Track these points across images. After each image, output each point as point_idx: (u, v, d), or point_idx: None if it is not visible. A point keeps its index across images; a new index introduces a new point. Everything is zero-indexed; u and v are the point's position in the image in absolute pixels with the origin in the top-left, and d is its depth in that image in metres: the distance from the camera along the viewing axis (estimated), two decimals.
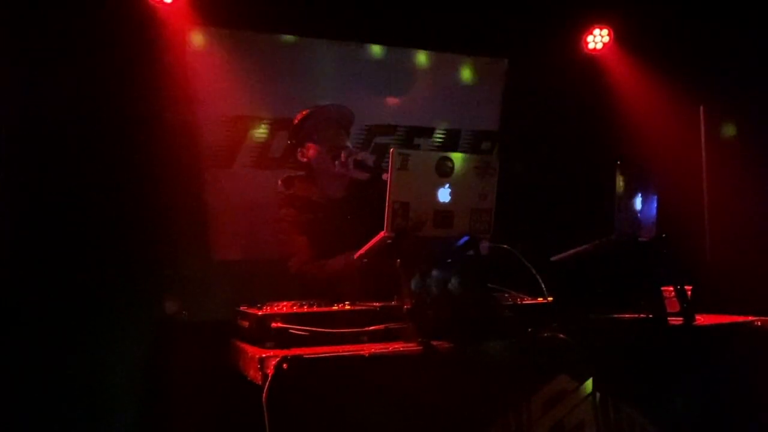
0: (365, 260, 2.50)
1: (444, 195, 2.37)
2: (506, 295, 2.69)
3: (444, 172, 2.36)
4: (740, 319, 2.85)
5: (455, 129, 4.53)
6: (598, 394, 2.40)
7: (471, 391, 2.18)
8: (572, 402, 2.36)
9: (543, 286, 2.60)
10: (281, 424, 1.95)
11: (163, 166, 3.51)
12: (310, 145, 3.20)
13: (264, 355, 2.06)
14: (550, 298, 2.59)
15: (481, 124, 4.59)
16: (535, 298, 2.62)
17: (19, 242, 3.27)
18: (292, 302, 2.50)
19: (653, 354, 2.53)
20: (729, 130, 4.66)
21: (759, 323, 2.78)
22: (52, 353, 3.20)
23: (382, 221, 2.29)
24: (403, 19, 4.18)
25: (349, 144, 3.24)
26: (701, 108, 4.67)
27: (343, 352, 2.12)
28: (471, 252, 2.46)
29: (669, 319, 2.70)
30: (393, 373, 2.09)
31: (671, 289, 2.78)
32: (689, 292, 2.79)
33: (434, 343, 2.19)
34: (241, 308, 2.46)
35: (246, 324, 2.36)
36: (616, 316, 2.78)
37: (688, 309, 2.75)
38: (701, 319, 2.79)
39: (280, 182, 3.26)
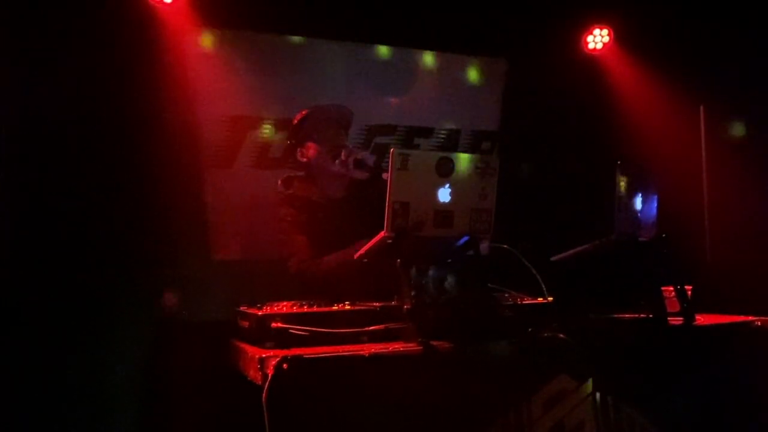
0: (365, 260, 2.50)
1: (444, 195, 2.37)
2: (506, 295, 2.69)
3: (444, 172, 2.36)
4: (740, 319, 2.85)
5: (455, 129, 4.52)
6: (598, 394, 2.40)
7: (471, 391, 2.17)
8: (572, 402, 2.36)
9: (543, 286, 2.60)
10: (281, 424, 1.95)
11: (163, 166, 3.51)
12: (309, 144, 3.20)
13: (264, 355, 2.06)
14: (550, 298, 2.59)
15: (481, 124, 4.59)
16: (535, 298, 2.62)
17: (19, 242, 3.27)
18: (292, 302, 2.50)
19: (653, 354, 2.53)
20: (738, 130, 4.64)
21: (759, 323, 2.78)
22: (52, 353, 3.19)
23: (382, 221, 2.29)
24: (403, 19, 4.18)
25: (348, 143, 3.24)
26: (701, 108, 4.66)
27: (343, 352, 2.12)
28: (471, 252, 2.46)
29: (669, 319, 2.70)
30: (393, 373, 2.09)
31: (671, 289, 2.78)
32: (689, 292, 2.79)
33: (434, 343, 2.19)
34: (241, 308, 2.47)
35: (246, 324, 2.36)
36: (616, 316, 2.78)
37: (688, 309, 2.75)
38: (701, 319, 2.79)
39: (279, 182, 3.26)
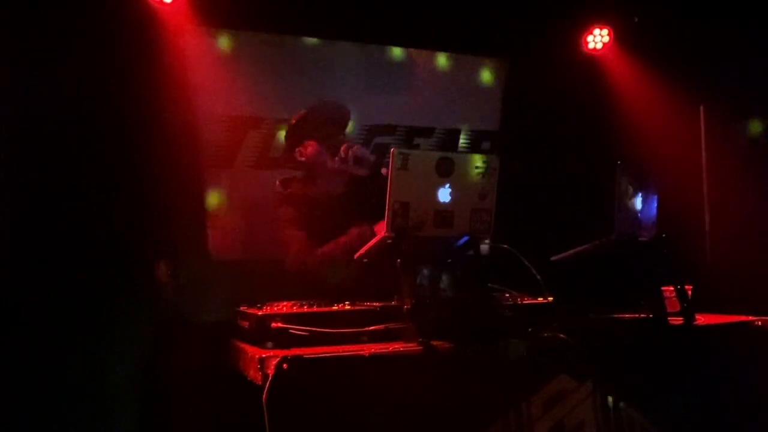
0: (365, 260, 2.50)
1: (444, 195, 2.37)
2: (506, 295, 2.69)
3: (444, 172, 2.36)
4: (740, 319, 2.85)
5: (455, 129, 4.53)
6: (598, 394, 2.40)
7: (471, 391, 2.18)
8: (572, 402, 2.36)
9: (543, 286, 2.60)
10: (281, 424, 1.95)
11: (163, 166, 3.51)
12: (308, 142, 3.20)
13: (264, 355, 2.06)
14: (550, 298, 2.59)
15: (481, 124, 4.59)
16: (535, 298, 2.62)
17: (19, 242, 3.27)
18: (292, 302, 2.50)
19: (653, 354, 2.53)
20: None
21: (759, 323, 2.78)
22: (52, 353, 3.19)
23: (382, 216, 2.29)
24: (403, 19, 4.18)
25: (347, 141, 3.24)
26: (701, 108, 4.66)
27: (343, 352, 2.12)
28: (471, 252, 2.46)
29: (669, 319, 2.70)
30: (393, 373, 2.09)
31: (671, 289, 2.78)
32: (689, 292, 2.79)
33: (434, 343, 2.19)
34: (241, 308, 2.47)
35: (246, 324, 2.36)
36: (616, 316, 2.78)
37: (688, 309, 2.75)
38: (701, 319, 2.79)
39: (277, 183, 3.26)
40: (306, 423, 1.99)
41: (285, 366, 1.96)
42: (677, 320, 2.72)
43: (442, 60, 4.51)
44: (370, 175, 3.04)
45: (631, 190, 2.79)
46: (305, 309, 2.37)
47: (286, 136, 3.37)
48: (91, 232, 3.38)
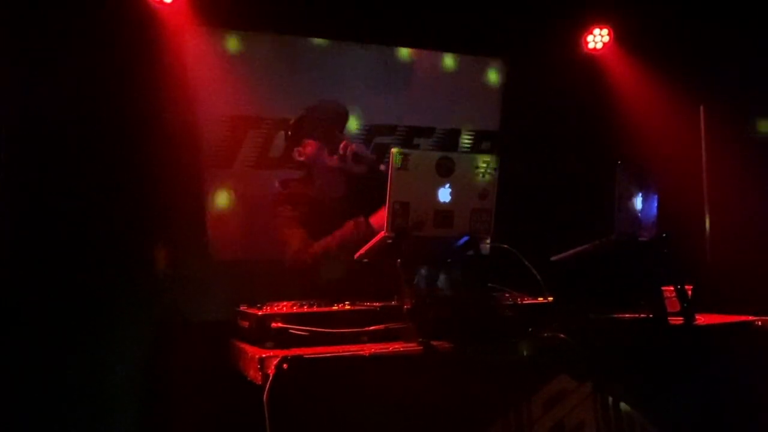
0: (365, 260, 2.50)
1: (444, 195, 2.37)
2: (506, 295, 2.69)
3: (444, 172, 2.36)
4: (740, 319, 2.85)
5: (455, 129, 4.53)
6: (598, 394, 2.40)
7: (471, 391, 2.17)
8: (572, 402, 2.36)
9: (543, 286, 2.60)
10: (281, 424, 1.95)
11: (163, 166, 3.51)
12: (307, 142, 3.19)
13: (264, 355, 2.06)
14: (550, 298, 2.59)
15: (481, 124, 4.59)
16: (535, 298, 2.62)
17: (19, 242, 3.27)
18: (292, 302, 2.49)
19: (653, 354, 2.53)
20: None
21: (759, 323, 2.78)
22: (52, 353, 3.19)
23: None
24: (402, 18, 4.18)
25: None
26: (701, 108, 4.67)
27: (343, 352, 2.12)
28: (471, 252, 2.46)
29: (669, 319, 2.70)
30: (393, 373, 2.09)
31: (671, 289, 2.78)
32: (689, 292, 2.79)
33: (434, 343, 2.19)
34: (241, 308, 2.46)
35: (246, 324, 2.36)
36: (616, 316, 2.78)
37: (688, 309, 2.75)
38: (701, 319, 2.79)
39: (276, 183, 3.26)
40: (306, 423, 1.99)
41: (285, 366, 1.96)
42: (677, 320, 2.72)
43: (442, 60, 4.51)
44: (369, 175, 3.03)
45: (631, 190, 2.79)
46: (305, 309, 2.36)
47: (285, 136, 3.37)
48: (91, 232, 3.38)
